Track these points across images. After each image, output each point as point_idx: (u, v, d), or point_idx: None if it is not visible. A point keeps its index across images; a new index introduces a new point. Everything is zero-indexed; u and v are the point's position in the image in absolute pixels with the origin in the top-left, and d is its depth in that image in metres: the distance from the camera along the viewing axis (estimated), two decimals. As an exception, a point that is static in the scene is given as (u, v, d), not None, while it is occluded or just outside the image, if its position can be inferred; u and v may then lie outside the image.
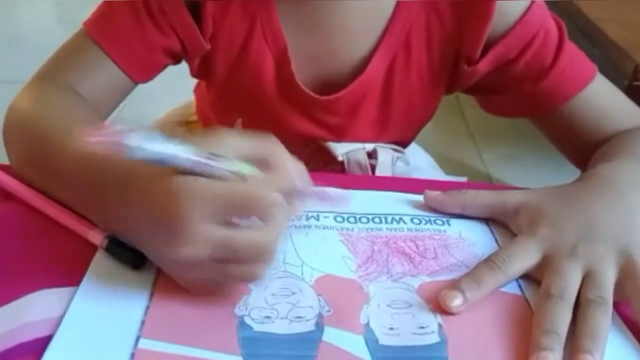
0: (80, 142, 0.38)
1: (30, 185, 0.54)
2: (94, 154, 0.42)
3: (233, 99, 0.71)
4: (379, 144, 0.72)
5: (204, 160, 0.40)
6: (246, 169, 0.43)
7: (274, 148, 0.45)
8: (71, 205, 0.51)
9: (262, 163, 0.44)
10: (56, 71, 0.64)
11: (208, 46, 0.66)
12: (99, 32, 0.64)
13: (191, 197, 0.40)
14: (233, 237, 0.41)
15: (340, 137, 0.71)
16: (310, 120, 0.70)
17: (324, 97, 0.68)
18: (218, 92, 0.72)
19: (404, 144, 0.75)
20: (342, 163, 0.71)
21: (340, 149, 0.71)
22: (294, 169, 0.45)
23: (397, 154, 0.74)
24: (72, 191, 0.51)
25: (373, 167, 0.72)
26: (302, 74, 0.68)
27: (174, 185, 0.40)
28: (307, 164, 0.72)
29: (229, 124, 0.74)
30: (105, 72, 0.64)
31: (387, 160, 0.72)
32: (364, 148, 0.71)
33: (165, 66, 0.68)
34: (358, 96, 0.69)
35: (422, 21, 0.67)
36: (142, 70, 0.66)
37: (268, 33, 0.66)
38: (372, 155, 0.72)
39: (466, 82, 0.69)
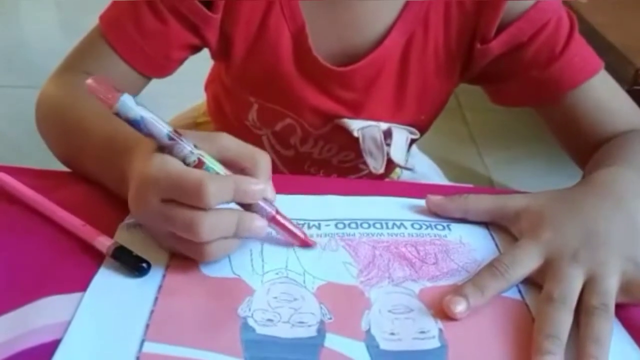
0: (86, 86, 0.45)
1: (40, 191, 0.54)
2: (113, 133, 0.54)
3: (251, 77, 0.72)
4: (394, 124, 0.73)
5: (174, 137, 0.46)
6: (215, 164, 0.47)
7: (259, 162, 0.49)
8: (95, 177, 0.57)
9: (242, 171, 0.49)
10: (74, 63, 0.68)
11: (216, 15, 0.66)
12: (108, 29, 0.66)
13: (155, 170, 0.46)
14: (168, 212, 0.46)
15: (356, 113, 0.72)
16: (327, 96, 0.71)
17: (340, 69, 0.69)
18: (237, 73, 0.72)
19: (418, 129, 0.76)
20: (356, 146, 0.72)
21: (356, 125, 0.71)
22: (257, 185, 0.48)
23: (411, 136, 0.74)
24: (95, 164, 0.57)
25: (387, 152, 0.72)
26: (319, 48, 0.69)
27: (152, 158, 0.47)
28: (322, 148, 0.76)
29: (245, 111, 0.75)
30: (114, 67, 0.66)
31: (402, 140, 0.73)
32: (378, 126, 0.72)
33: (179, 60, 0.69)
34: (374, 70, 0.70)
35: None
36: (150, 66, 0.68)
37: (286, 8, 0.67)
38: (386, 138, 0.72)
39: (479, 63, 0.70)
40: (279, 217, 0.50)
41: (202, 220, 0.45)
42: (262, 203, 0.49)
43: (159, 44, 0.66)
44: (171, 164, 0.46)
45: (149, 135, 0.46)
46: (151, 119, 0.45)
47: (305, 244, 0.52)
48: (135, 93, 0.68)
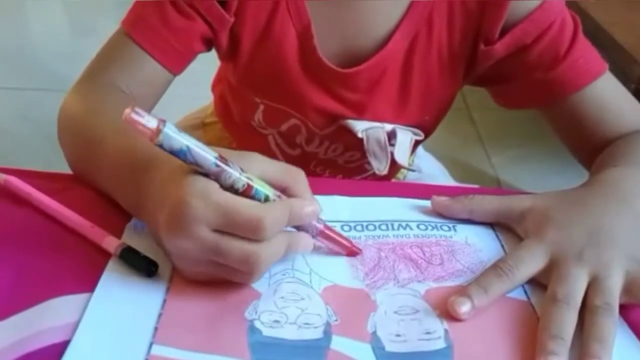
0: (120, 121, 0.41)
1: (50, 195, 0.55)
2: (131, 148, 0.51)
3: (257, 77, 0.72)
4: (398, 126, 0.73)
5: (221, 164, 0.43)
6: (264, 187, 0.45)
7: (298, 179, 0.48)
8: (110, 193, 0.55)
9: (283, 191, 0.47)
10: (98, 71, 0.67)
11: (232, 19, 0.67)
12: (134, 28, 0.66)
13: (200, 198, 0.43)
14: (221, 244, 0.43)
15: (360, 114, 0.72)
16: (331, 97, 0.71)
17: (345, 70, 0.69)
18: (243, 72, 0.73)
19: (423, 130, 0.76)
20: (362, 146, 0.72)
21: (360, 126, 0.71)
22: (310, 206, 0.47)
23: (416, 137, 0.74)
24: (111, 180, 0.55)
25: (391, 153, 0.72)
26: (324, 49, 0.69)
27: (190, 182, 0.43)
28: (328, 148, 0.77)
29: (251, 111, 0.75)
30: (143, 66, 0.66)
31: (406, 141, 0.73)
32: (383, 127, 0.72)
33: (196, 54, 0.70)
34: (378, 71, 0.70)
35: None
36: (177, 61, 0.68)
37: (292, 8, 0.67)
38: (390, 139, 0.72)
39: (483, 64, 0.70)
40: (327, 231, 0.50)
41: (260, 254, 0.44)
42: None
43: (188, 38, 0.67)
44: (217, 192, 0.43)
45: (194, 164, 0.43)
46: (196, 149, 0.42)
47: (353, 252, 0.51)
48: (161, 92, 0.69)
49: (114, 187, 0.55)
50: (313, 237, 0.49)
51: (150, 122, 0.41)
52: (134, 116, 0.41)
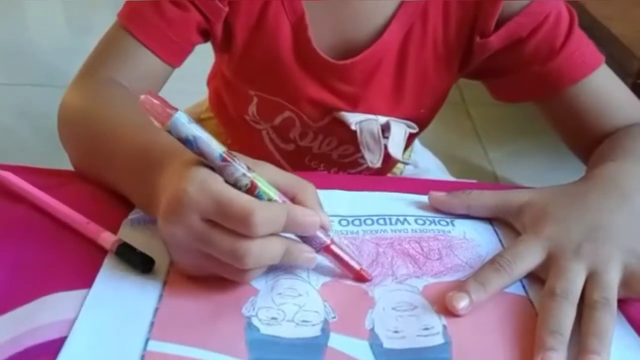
0: (136, 102, 0.43)
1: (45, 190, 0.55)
2: (145, 143, 0.51)
3: (251, 69, 0.72)
4: (393, 118, 0.73)
5: (227, 158, 0.44)
6: (269, 189, 0.45)
7: (307, 190, 0.47)
8: (118, 188, 0.55)
9: (291, 200, 0.46)
10: (97, 66, 0.67)
11: (226, 8, 0.67)
12: (130, 21, 0.66)
13: (198, 186, 0.43)
14: (210, 235, 0.43)
15: (354, 107, 0.72)
16: (326, 88, 0.71)
17: (339, 62, 0.69)
18: (237, 64, 0.73)
19: (418, 123, 0.75)
20: (356, 140, 0.72)
21: (354, 118, 0.71)
22: (311, 216, 0.46)
23: (410, 130, 0.74)
24: (122, 174, 0.54)
25: (385, 146, 0.72)
26: (319, 40, 0.69)
27: (193, 172, 0.44)
28: (322, 142, 0.76)
29: (245, 105, 0.75)
30: (140, 59, 0.66)
31: (400, 134, 0.73)
32: (377, 120, 0.72)
33: (194, 45, 0.69)
34: (373, 63, 0.70)
35: None
36: (174, 53, 0.67)
37: None
38: (384, 132, 0.72)
39: (478, 57, 0.70)
40: (333, 247, 0.48)
41: (248, 250, 0.42)
42: (317, 232, 0.47)
43: (184, 29, 0.67)
44: (216, 183, 0.43)
45: (200, 155, 0.44)
46: (203, 139, 0.43)
47: (361, 277, 0.49)
48: (161, 85, 0.69)
49: (125, 182, 0.54)
50: (318, 251, 0.47)
51: (162, 108, 0.43)
52: (149, 101, 0.43)
